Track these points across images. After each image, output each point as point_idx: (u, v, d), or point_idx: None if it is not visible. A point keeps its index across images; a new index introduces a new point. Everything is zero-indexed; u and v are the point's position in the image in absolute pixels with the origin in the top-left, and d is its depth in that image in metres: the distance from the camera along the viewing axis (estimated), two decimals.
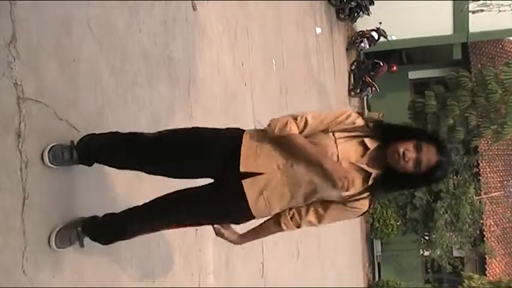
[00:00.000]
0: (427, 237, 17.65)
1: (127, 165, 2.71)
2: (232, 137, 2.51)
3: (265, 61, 7.01)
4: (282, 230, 2.63)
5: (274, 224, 2.63)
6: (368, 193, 2.48)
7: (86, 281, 2.79)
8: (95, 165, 2.71)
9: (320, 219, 2.57)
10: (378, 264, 19.69)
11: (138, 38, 3.66)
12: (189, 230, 4.12)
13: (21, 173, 2.39)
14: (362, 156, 2.44)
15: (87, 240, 2.71)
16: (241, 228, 2.74)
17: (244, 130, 2.57)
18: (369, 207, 2.55)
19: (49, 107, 2.58)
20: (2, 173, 2.31)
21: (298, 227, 2.60)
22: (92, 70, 3.05)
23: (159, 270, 3.62)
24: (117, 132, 2.72)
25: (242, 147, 2.45)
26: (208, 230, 4.40)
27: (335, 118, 2.48)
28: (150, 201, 2.63)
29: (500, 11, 15.88)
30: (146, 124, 3.58)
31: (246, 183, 2.43)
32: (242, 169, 2.43)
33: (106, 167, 2.78)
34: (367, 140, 2.44)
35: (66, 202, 2.69)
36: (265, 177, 2.42)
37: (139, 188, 3.28)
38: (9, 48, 2.38)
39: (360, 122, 2.49)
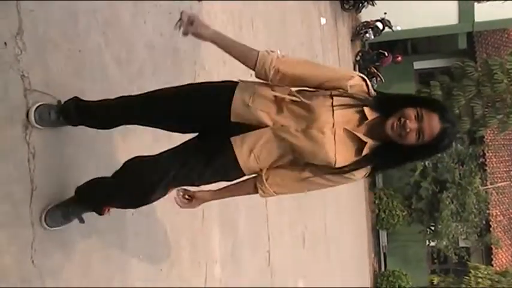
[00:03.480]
0: (433, 228, 17.70)
1: (121, 115, 2.57)
2: (223, 92, 2.40)
3: None
4: (257, 193, 2.49)
5: (252, 186, 2.48)
6: (363, 164, 2.32)
7: (94, 270, 2.82)
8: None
9: (300, 182, 2.42)
10: (384, 254, 19.74)
11: (143, 29, 3.66)
12: (196, 219, 4.15)
13: (28, 164, 2.41)
14: (358, 125, 2.29)
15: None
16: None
17: (237, 82, 2.44)
18: (365, 175, 2.39)
19: (55, 98, 2.59)
20: (10, 164, 2.33)
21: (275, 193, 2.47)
22: (97, 61, 3.07)
23: (166, 259, 3.65)
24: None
25: (234, 98, 2.35)
26: (215, 218, 4.48)
27: (336, 74, 2.33)
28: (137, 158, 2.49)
29: None
30: None
31: (235, 141, 2.34)
32: (233, 119, 2.33)
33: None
34: (366, 109, 2.27)
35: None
36: (254, 133, 2.32)
37: None
38: (16, 40, 2.39)
39: (363, 87, 2.32)
